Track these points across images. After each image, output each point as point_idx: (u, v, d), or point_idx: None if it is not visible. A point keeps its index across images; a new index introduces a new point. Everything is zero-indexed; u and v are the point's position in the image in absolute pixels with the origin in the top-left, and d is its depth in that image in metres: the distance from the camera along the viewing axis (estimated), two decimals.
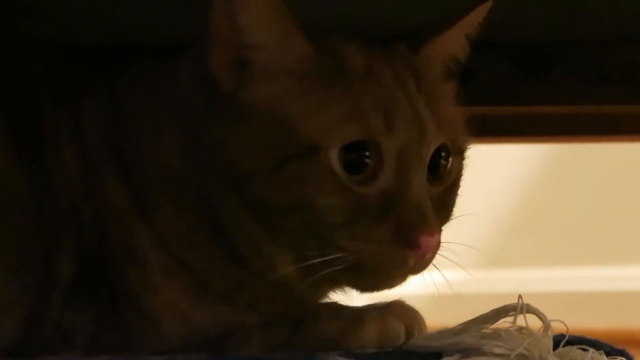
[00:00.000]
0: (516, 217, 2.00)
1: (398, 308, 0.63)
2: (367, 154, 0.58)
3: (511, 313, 0.57)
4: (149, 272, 0.61)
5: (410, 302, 0.64)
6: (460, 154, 0.65)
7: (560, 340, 0.58)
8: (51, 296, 0.60)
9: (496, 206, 1.96)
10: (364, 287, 0.62)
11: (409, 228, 0.58)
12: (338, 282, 0.63)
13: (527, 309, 0.57)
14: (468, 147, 0.66)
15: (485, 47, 0.68)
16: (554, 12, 0.84)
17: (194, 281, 0.62)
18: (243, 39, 0.59)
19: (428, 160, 0.61)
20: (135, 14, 0.81)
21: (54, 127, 0.63)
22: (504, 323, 0.58)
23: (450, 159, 0.63)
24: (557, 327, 0.57)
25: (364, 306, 0.63)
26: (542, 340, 0.56)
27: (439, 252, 0.61)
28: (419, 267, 0.60)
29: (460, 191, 0.66)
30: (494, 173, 1.90)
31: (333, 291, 0.66)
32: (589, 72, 0.89)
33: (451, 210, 0.64)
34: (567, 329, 0.59)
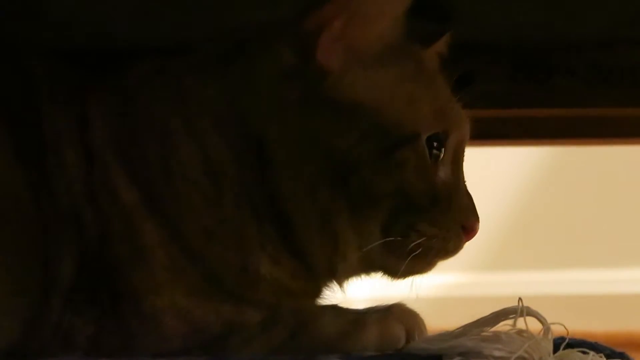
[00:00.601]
0: (517, 220, 2.00)
1: (399, 311, 0.63)
2: (436, 144, 0.63)
3: (511, 316, 0.57)
4: (153, 271, 0.61)
5: (410, 305, 0.64)
6: None
7: (560, 343, 0.58)
8: (51, 298, 0.60)
9: (496, 209, 1.96)
10: (406, 273, 0.64)
11: (467, 216, 0.64)
12: (383, 269, 0.65)
13: (527, 312, 0.57)
14: None
15: (485, 50, 0.69)
16: (554, 15, 0.84)
17: (203, 278, 0.62)
18: (365, 27, 0.63)
19: None
20: (132, 17, 0.81)
21: (55, 130, 0.63)
22: (504, 326, 0.58)
23: None
24: (557, 330, 0.57)
25: (364, 309, 0.64)
26: (542, 343, 0.56)
27: None
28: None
29: None
30: (494, 176, 1.90)
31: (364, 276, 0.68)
32: (588, 75, 0.89)
33: None
34: (567, 332, 0.59)
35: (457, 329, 0.59)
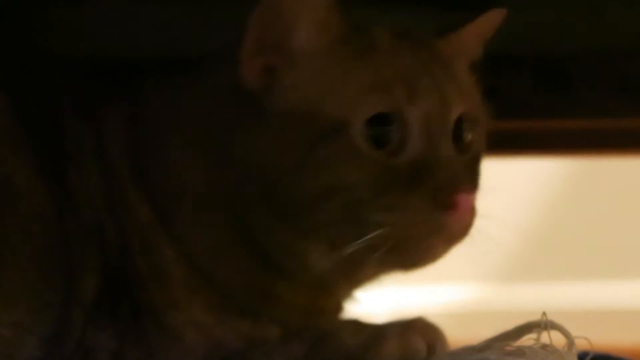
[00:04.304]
0: (539, 233, 1.98)
1: (419, 325, 0.62)
2: (392, 126, 0.59)
3: (535, 330, 0.57)
4: (171, 287, 0.61)
5: (432, 319, 0.63)
6: (479, 126, 0.65)
7: (584, 357, 0.57)
8: (73, 314, 0.60)
9: (518, 221, 1.95)
10: (407, 264, 0.62)
11: (444, 190, 0.58)
12: (379, 268, 0.63)
13: (551, 326, 0.56)
14: (484, 122, 0.66)
15: (506, 61, 0.68)
16: (575, 25, 0.84)
17: (217, 295, 0.62)
18: (289, 41, 0.60)
19: (452, 128, 0.61)
20: (151, 28, 0.81)
21: (76, 143, 0.63)
22: (527, 340, 0.57)
23: (470, 130, 0.63)
24: (582, 344, 0.57)
25: (384, 323, 0.63)
26: (567, 357, 0.55)
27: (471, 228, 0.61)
28: (459, 231, 0.60)
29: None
30: (515, 187, 1.89)
31: (366, 284, 0.65)
32: (610, 85, 0.89)
33: (478, 180, 0.64)
34: (592, 346, 0.58)
35: (481, 343, 0.58)
